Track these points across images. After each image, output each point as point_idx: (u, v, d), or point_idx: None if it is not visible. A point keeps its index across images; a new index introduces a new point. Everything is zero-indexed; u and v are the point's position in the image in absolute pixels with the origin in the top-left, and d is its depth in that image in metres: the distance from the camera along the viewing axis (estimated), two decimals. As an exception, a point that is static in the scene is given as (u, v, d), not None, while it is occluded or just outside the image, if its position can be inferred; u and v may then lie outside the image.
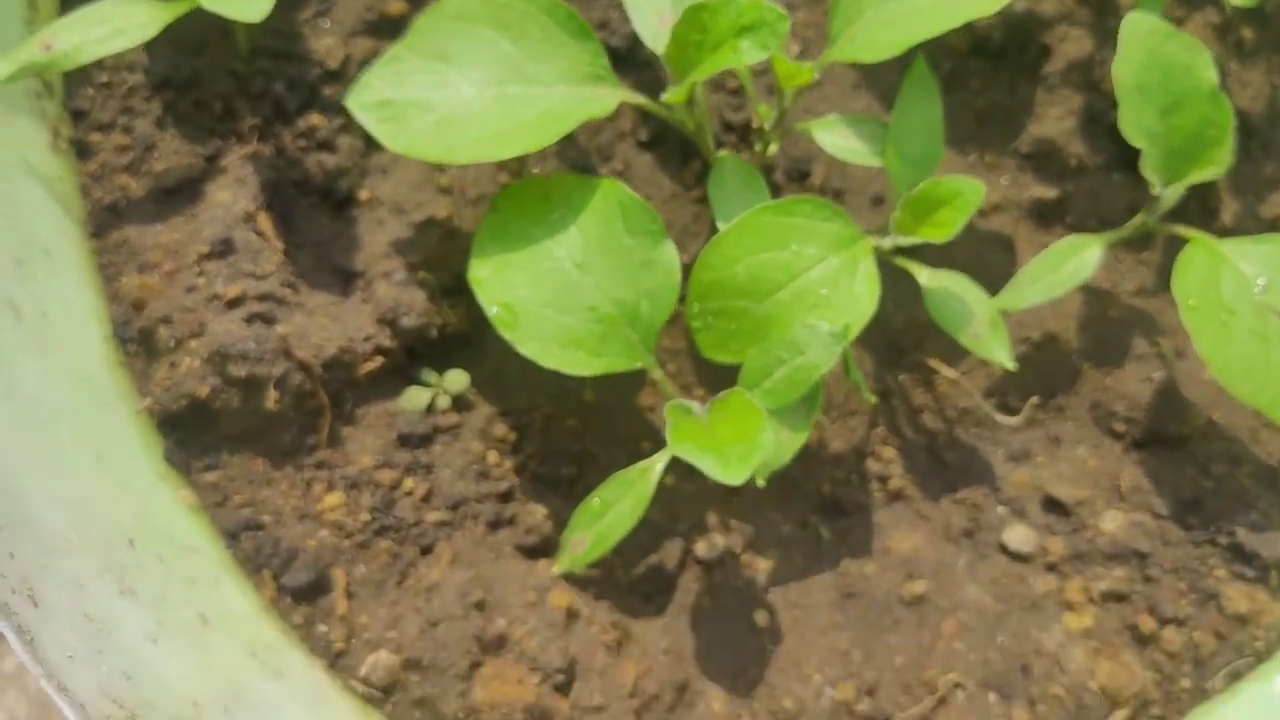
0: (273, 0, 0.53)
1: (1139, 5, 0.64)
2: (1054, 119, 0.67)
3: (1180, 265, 0.56)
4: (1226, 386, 0.54)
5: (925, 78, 0.56)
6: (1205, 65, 0.57)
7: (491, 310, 0.51)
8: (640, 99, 0.56)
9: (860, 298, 0.52)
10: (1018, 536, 0.59)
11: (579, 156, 0.62)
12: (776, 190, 0.63)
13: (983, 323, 0.56)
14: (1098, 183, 0.65)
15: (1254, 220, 0.67)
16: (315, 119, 0.61)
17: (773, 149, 0.62)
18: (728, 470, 0.46)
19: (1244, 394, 0.54)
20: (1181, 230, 0.59)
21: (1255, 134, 0.69)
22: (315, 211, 0.60)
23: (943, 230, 0.54)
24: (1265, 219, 0.68)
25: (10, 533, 0.39)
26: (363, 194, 0.60)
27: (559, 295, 0.52)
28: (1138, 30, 0.57)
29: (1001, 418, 0.60)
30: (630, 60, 0.64)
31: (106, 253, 0.57)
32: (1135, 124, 0.57)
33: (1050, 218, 0.66)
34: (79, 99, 0.60)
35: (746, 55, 0.52)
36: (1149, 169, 0.57)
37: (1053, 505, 0.60)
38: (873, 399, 0.57)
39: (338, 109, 0.61)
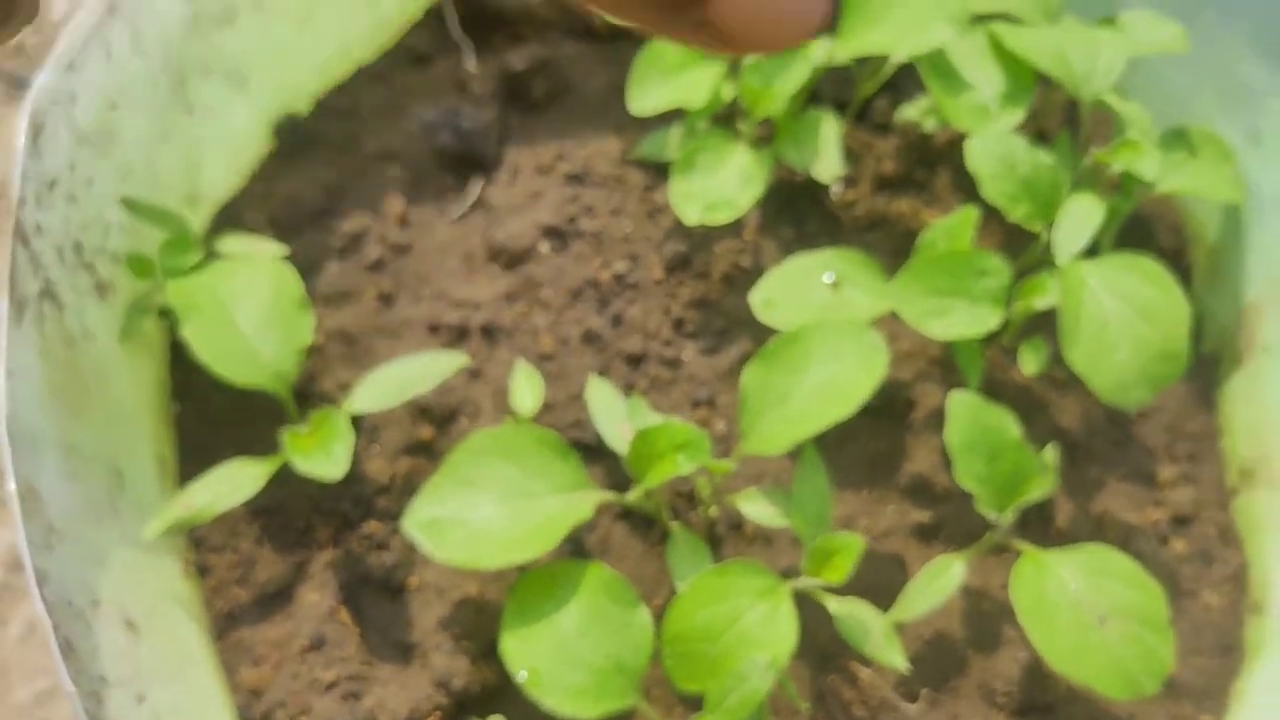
0: (349, 462, 0.74)
1: (963, 369, 0.87)
2: (923, 457, 0.88)
3: (1014, 577, 0.77)
4: (1057, 670, 0.73)
5: (814, 460, 0.78)
6: (1011, 426, 0.79)
7: (520, 675, 0.70)
8: (611, 496, 0.77)
9: (783, 634, 0.72)
10: (933, 796, 0.77)
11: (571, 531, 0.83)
12: (720, 540, 0.84)
13: (879, 637, 0.76)
14: (961, 506, 0.86)
15: (1084, 517, 0.88)
16: (373, 525, 0.82)
17: (714, 510, 0.83)
18: (699, 784, 0.64)
19: (1071, 673, 0.73)
20: (1017, 544, 0.80)
21: (1078, 446, 0.91)
22: (379, 598, 0.80)
23: (837, 574, 0.74)
24: (1093, 515, 0.89)
25: None
26: (413, 581, 0.81)
27: (566, 655, 0.71)
28: (960, 406, 0.79)
29: (905, 705, 0.79)
30: (601, 451, 0.85)
31: (227, 651, 0.77)
32: (967, 473, 0.78)
33: (930, 536, 0.86)
34: (199, 529, 0.81)
35: (682, 467, 0.73)
36: (982, 506, 0.78)
37: (957, 769, 0.78)
38: (805, 705, 0.77)
39: (390, 516, 0.82)
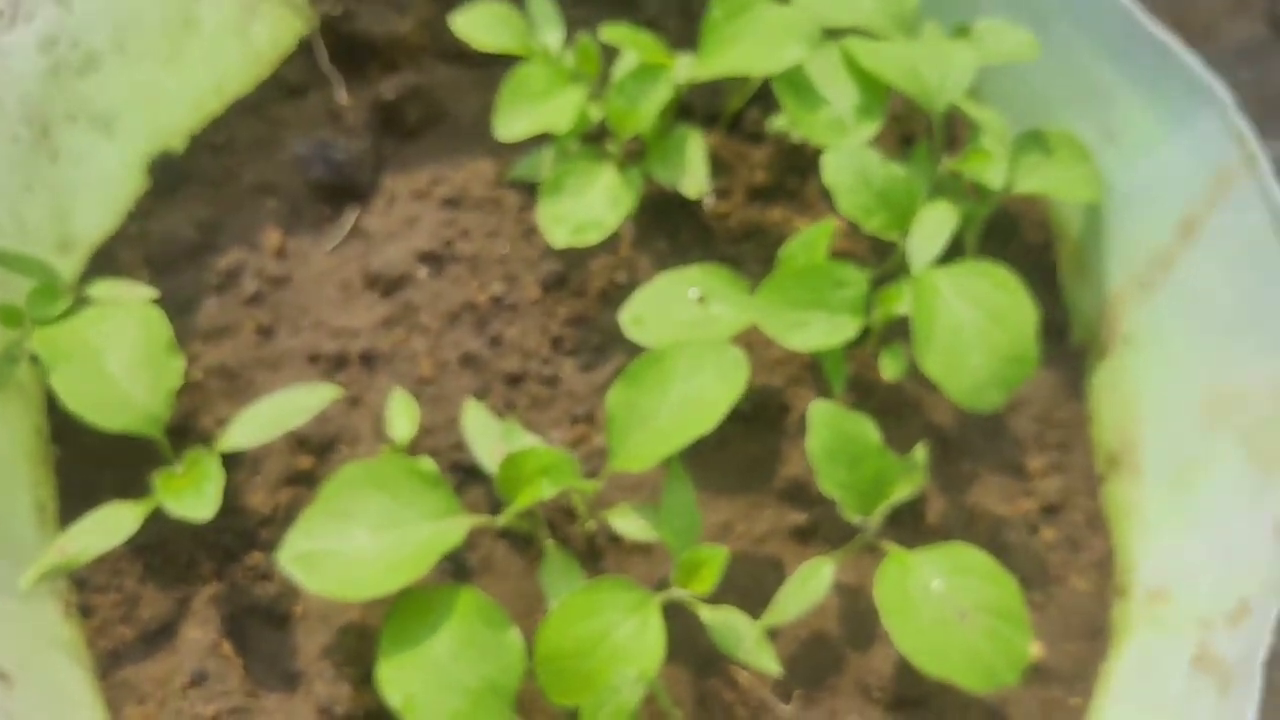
0: (219, 501, 0.76)
1: (828, 376, 0.90)
2: (796, 460, 0.91)
3: (879, 577, 0.79)
4: (919, 666, 0.76)
5: (680, 475, 0.80)
6: (871, 431, 0.82)
7: (395, 701, 0.72)
8: (484, 520, 0.79)
9: (651, 647, 0.74)
10: (811, 791, 0.80)
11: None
12: (599, 554, 0.86)
13: (751, 642, 0.78)
14: (835, 507, 0.89)
15: (956, 511, 0.91)
16: (256, 556, 0.84)
17: (590, 525, 0.86)
18: (567, 796, 0.67)
19: (933, 669, 0.76)
20: (883, 545, 0.83)
21: (950, 442, 0.94)
22: (263, 628, 0.82)
23: (704, 584, 0.76)
24: (965, 508, 0.92)
25: None
26: (297, 609, 0.82)
27: (440, 680, 0.73)
28: (821, 414, 0.81)
29: (781, 706, 0.82)
30: (479, 474, 0.87)
31: (111, 690, 0.78)
32: (830, 480, 0.80)
33: (806, 537, 0.89)
34: (80, 570, 0.82)
35: (546, 490, 0.76)
36: (846, 510, 0.81)
37: (835, 764, 0.81)
38: (679, 715, 0.79)
39: (273, 547, 0.83)
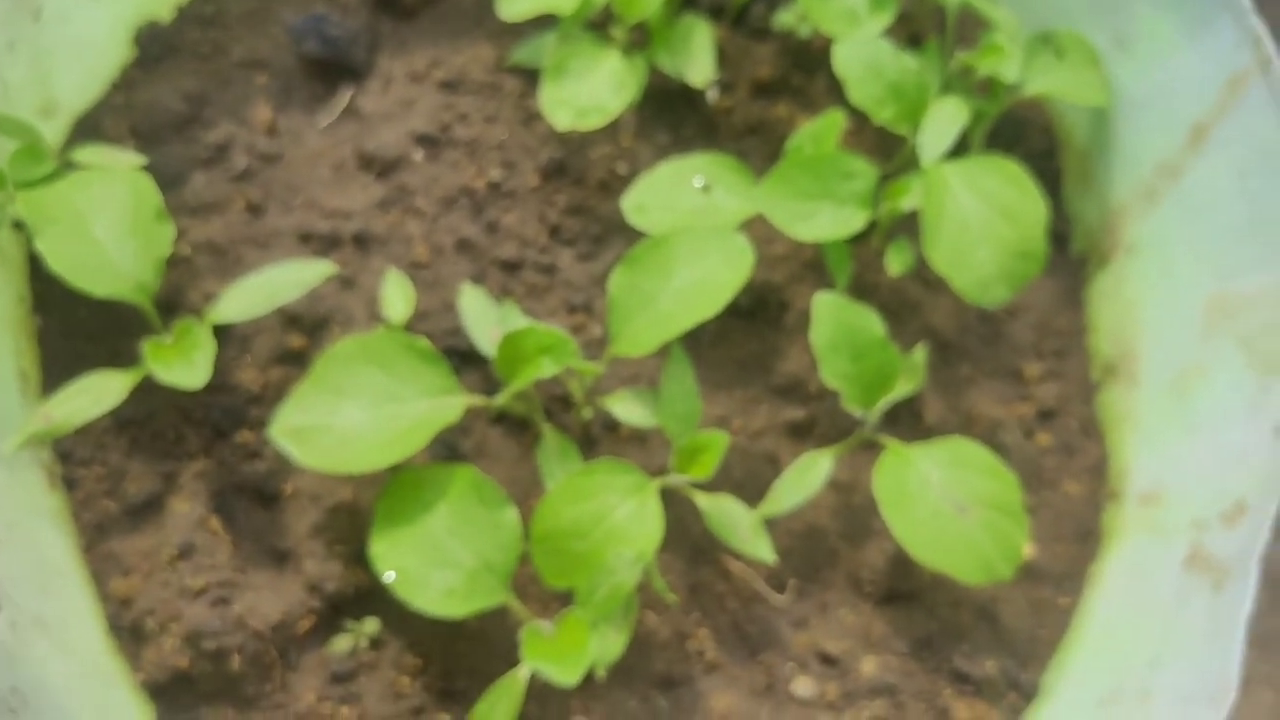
0: (210, 371, 0.74)
1: (832, 270, 0.89)
2: (795, 357, 0.90)
3: (878, 471, 0.79)
4: (916, 558, 0.76)
5: (681, 360, 0.79)
6: (875, 324, 0.81)
7: (388, 576, 0.71)
8: (481, 400, 0.77)
9: (650, 529, 0.73)
10: (803, 686, 0.80)
11: (446, 435, 0.83)
12: (594, 442, 0.85)
13: (747, 529, 0.78)
14: (834, 404, 0.88)
15: (953, 414, 0.91)
16: (246, 435, 0.82)
17: (586, 412, 0.84)
18: (564, 675, 0.66)
19: (929, 561, 0.76)
20: (882, 439, 0.82)
21: (949, 345, 0.94)
22: (252, 506, 0.80)
23: (703, 470, 0.76)
24: (962, 410, 0.91)
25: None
26: (287, 488, 0.81)
27: (436, 557, 0.72)
28: (825, 306, 0.80)
29: (774, 595, 0.81)
30: (475, 358, 0.85)
31: (97, 562, 0.77)
32: (833, 372, 0.80)
33: (802, 433, 0.88)
34: (65, 443, 0.80)
35: (546, 369, 0.74)
36: (848, 402, 0.80)
37: (826, 658, 0.81)
38: (674, 598, 0.79)
39: (262, 425, 0.82)
